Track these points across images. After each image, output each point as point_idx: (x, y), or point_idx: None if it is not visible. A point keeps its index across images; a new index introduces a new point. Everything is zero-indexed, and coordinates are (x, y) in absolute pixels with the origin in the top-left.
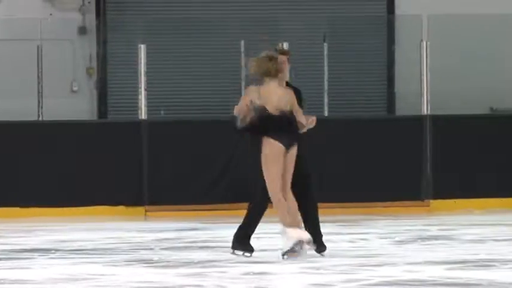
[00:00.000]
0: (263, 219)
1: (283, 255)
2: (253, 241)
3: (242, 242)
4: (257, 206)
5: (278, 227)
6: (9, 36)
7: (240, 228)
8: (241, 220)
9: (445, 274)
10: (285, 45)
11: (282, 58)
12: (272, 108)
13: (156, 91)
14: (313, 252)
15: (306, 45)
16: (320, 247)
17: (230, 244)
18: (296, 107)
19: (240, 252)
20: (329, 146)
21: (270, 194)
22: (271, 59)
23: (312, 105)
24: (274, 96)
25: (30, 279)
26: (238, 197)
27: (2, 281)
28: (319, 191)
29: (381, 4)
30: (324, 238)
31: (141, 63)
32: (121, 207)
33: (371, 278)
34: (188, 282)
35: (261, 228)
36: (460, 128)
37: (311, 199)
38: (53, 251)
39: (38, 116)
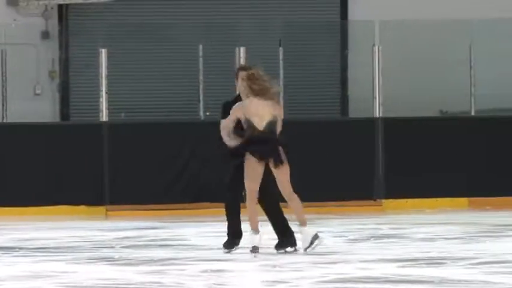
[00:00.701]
0: (219, 218)
1: (305, 249)
2: (213, 239)
3: (229, 242)
4: (229, 206)
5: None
6: None
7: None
8: (199, 219)
9: (398, 271)
10: (242, 51)
11: (243, 74)
12: (259, 122)
13: (116, 94)
14: (268, 249)
15: (262, 50)
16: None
17: (189, 243)
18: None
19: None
20: None
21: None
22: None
23: None
24: (261, 110)
25: None
26: (197, 196)
27: None
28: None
29: (335, 10)
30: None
31: (102, 67)
32: (82, 207)
33: (325, 275)
34: (148, 280)
35: (220, 227)
36: (411, 130)
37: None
38: (16, 249)
39: (2, 117)
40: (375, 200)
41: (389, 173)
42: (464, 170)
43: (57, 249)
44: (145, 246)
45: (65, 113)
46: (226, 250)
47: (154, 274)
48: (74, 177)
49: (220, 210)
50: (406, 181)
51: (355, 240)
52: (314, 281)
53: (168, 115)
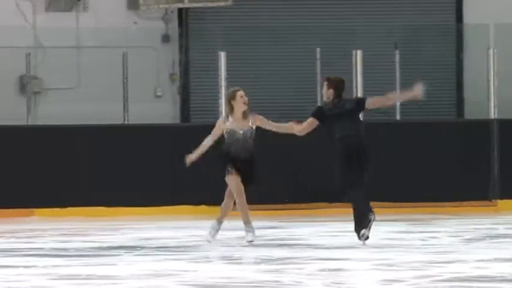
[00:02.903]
0: (340, 218)
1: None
2: (330, 239)
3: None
4: (355, 203)
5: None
6: (96, 44)
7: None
8: (316, 219)
9: None
10: (359, 54)
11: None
12: None
13: None
14: (385, 248)
15: (378, 52)
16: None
17: (307, 242)
18: None
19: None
20: (401, 148)
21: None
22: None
23: (384, 110)
24: None
25: (116, 275)
26: (314, 197)
27: (90, 277)
28: (393, 191)
29: (450, 13)
30: (397, 236)
31: (221, 69)
32: (203, 207)
33: (442, 274)
34: (267, 278)
35: (337, 226)
36: None
37: None
38: (138, 248)
39: (124, 119)
40: (490, 201)
41: (504, 174)
42: None
43: (177, 248)
44: (264, 245)
45: (185, 115)
46: (365, 230)
47: (273, 273)
48: (195, 177)
49: (338, 210)
50: None
51: (471, 239)
52: (430, 280)
53: (285, 117)
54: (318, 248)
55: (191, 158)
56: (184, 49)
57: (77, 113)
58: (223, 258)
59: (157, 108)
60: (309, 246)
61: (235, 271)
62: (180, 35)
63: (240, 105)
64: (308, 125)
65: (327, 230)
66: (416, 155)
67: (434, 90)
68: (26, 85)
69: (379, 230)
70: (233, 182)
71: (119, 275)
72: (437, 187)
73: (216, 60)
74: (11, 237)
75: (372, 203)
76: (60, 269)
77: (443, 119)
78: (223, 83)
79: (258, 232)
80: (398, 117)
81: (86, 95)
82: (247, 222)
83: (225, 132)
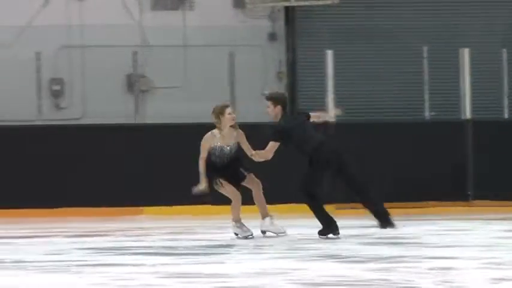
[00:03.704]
0: (449, 216)
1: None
2: (438, 237)
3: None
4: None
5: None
6: (202, 43)
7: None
8: (425, 217)
9: None
10: (466, 53)
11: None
12: None
13: (342, 94)
14: (494, 247)
15: (486, 51)
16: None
17: (417, 241)
18: None
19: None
20: (510, 146)
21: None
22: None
23: (491, 108)
24: None
25: (224, 273)
26: (423, 195)
27: (199, 275)
28: (502, 189)
29: None
30: (506, 235)
31: (328, 68)
32: (292, 204)
33: None
34: (376, 277)
35: (446, 225)
36: None
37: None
38: (246, 247)
39: None
40: None
41: None
42: None
43: (285, 246)
44: (373, 243)
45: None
46: (323, 237)
47: (382, 271)
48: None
49: (447, 209)
50: None
51: None
52: None
53: (393, 115)
54: (427, 246)
55: (200, 188)
56: (291, 48)
57: (184, 112)
58: (332, 256)
59: (265, 107)
60: (418, 244)
61: (344, 269)
62: (287, 34)
63: (227, 121)
64: (271, 149)
65: (436, 229)
66: (501, 154)
67: None
68: (134, 84)
69: (488, 228)
70: (228, 190)
71: (228, 273)
72: None
73: (323, 59)
74: (120, 236)
75: (480, 202)
76: (168, 267)
77: None
78: (330, 82)
79: (365, 231)
80: (506, 115)
81: (193, 94)
82: (237, 220)
83: (214, 147)
